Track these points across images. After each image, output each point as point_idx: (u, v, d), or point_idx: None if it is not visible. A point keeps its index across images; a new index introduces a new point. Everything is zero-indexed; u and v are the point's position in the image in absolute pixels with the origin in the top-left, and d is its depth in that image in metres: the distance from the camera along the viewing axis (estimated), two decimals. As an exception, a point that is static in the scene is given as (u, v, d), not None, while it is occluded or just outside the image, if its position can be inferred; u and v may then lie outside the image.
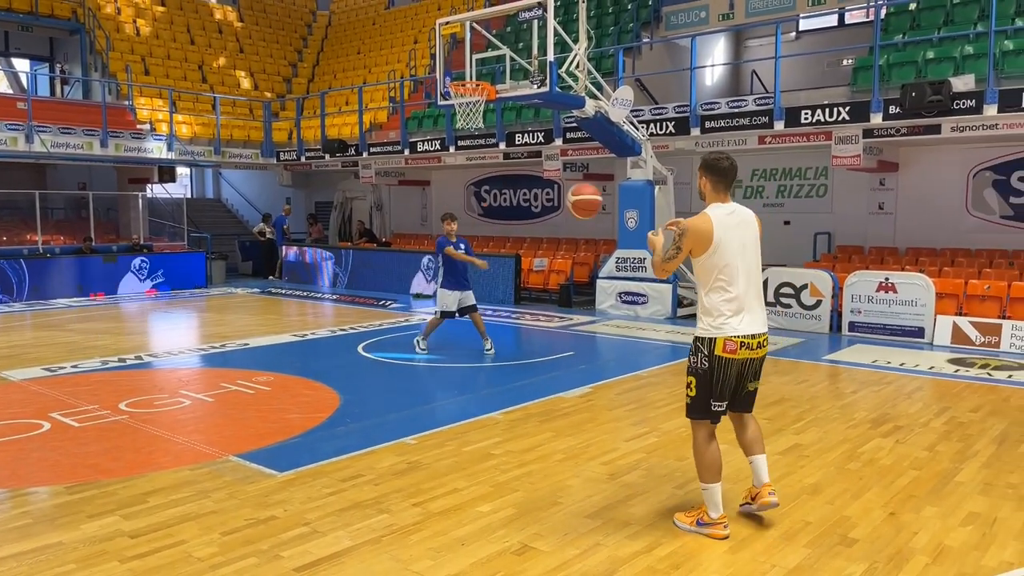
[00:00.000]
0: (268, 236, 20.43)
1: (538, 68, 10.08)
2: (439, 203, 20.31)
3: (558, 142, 14.59)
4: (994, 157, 12.13)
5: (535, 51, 10.29)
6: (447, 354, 9.70)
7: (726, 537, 4.19)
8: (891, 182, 13.09)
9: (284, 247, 19.64)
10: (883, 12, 13.50)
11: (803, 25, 18.12)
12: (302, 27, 27.36)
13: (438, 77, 11.32)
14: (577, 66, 11.15)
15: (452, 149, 16.36)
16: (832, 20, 18.13)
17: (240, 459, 5.63)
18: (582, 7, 11.36)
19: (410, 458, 5.63)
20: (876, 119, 11.01)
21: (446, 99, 11.11)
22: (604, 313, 13.08)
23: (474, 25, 10.66)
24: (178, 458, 5.70)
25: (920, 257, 12.26)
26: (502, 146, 15.41)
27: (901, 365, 8.88)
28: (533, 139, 14.93)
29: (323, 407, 7.12)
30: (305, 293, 16.76)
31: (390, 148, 17.80)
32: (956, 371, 8.60)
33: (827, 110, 11.42)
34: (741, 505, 4.51)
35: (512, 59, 11.03)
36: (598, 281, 13.46)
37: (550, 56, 9.96)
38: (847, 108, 11.26)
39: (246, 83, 23.18)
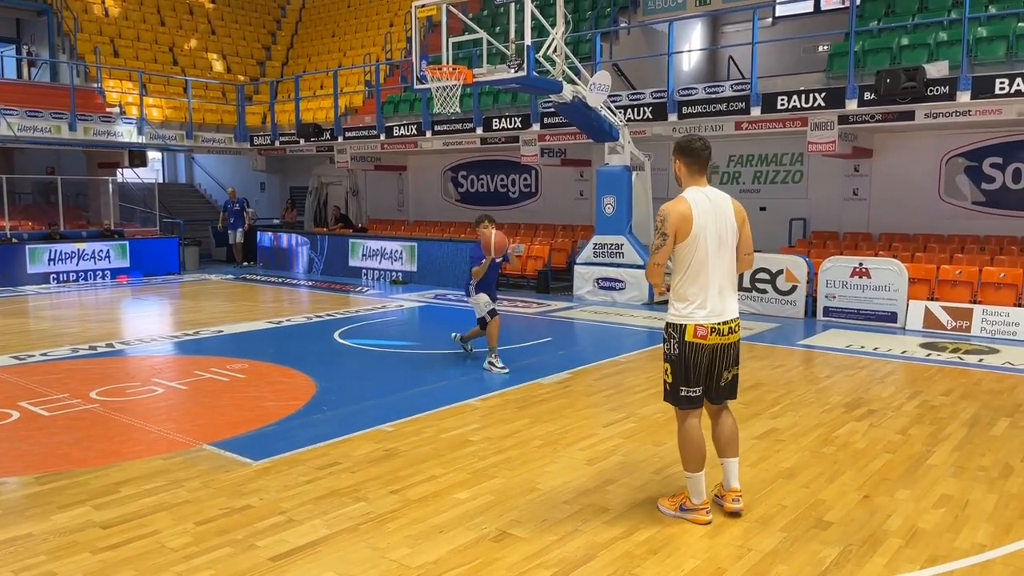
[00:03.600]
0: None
1: (516, 52, 10.00)
2: (416, 188, 20.19)
3: (536, 127, 14.52)
4: (966, 144, 12.26)
5: (512, 35, 10.20)
6: (422, 341, 9.64)
7: (708, 523, 4.20)
8: (865, 168, 13.20)
9: (239, 231, 19.26)
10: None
11: (779, 11, 18.15)
12: (275, 9, 26.94)
13: (414, 61, 11.20)
14: (555, 50, 11.08)
15: (429, 134, 16.23)
16: (808, 6, 18.18)
17: (214, 448, 5.56)
18: (560, -6, 11.28)
19: (387, 445, 5.59)
20: (851, 105, 11.08)
21: (422, 83, 11.00)
22: (582, 299, 13.09)
23: (451, 8, 10.53)
24: (151, 447, 5.61)
25: (893, 243, 12.38)
26: (479, 131, 15.31)
27: (875, 349, 8.98)
28: (511, 124, 14.84)
29: (299, 395, 7.05)
30: (280, 279, 16.58)
31: (366, 133, 17.62)
32: (928, 355, 8.71)
33: (803, 96, 11.46)
34: (713, 497, 4.45)
35: (489, 43, 10.91)
36: (575, 267, 13.45)
37: (527, 40, 9.88)
38: (823, 94, 11.31)
39: (218, 66, 22.81)
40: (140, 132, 18.15)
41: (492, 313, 8.18)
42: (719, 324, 4.11)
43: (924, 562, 3.78)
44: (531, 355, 8.93)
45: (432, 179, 19.64)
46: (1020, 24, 10.73)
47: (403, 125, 16.86)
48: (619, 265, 12.78)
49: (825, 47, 17.90)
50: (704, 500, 4.24)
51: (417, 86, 11.32)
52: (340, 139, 17.97)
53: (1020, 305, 9.93)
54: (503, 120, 14.99)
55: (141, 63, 20.42)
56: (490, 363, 7.97)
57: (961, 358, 8.53)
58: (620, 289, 12.75)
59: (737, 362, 4.31)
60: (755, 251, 12.68)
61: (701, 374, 4.17)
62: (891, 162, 12.94)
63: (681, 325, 4.13)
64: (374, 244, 16.56)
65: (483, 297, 8.22)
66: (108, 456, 5.42)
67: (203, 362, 8.39)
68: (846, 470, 5.06)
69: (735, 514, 4.27)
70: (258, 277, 16.99)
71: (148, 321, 12.04)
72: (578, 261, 13.44)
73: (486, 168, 18.50)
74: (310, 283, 15.97)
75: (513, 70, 10.02)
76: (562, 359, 8.67)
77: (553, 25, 11.15)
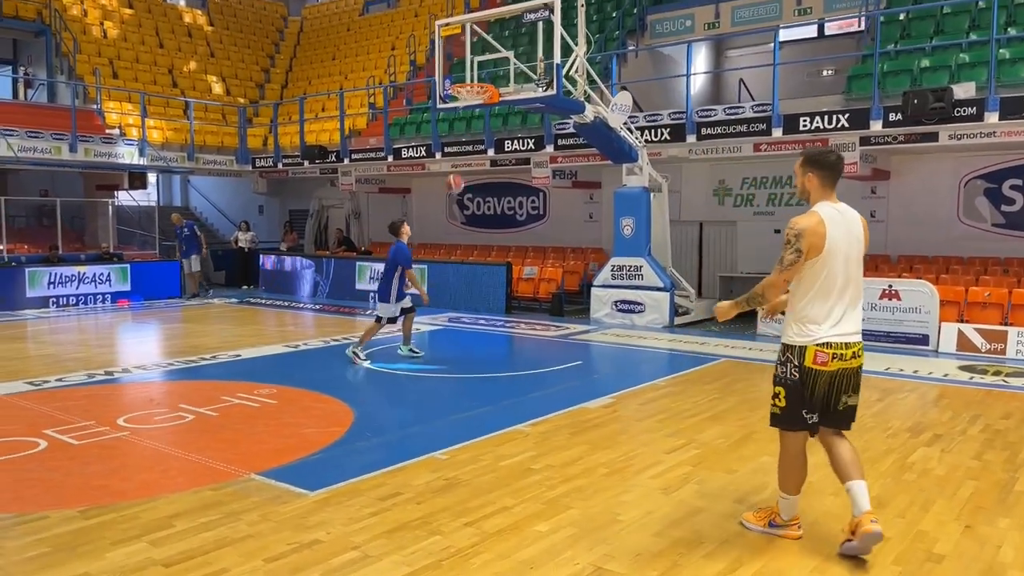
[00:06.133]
0: (241, 245, 19.86)
1: (544, 71, 9.86)
2: (420, 211, 19.96)
3: (549, 149, 14.38)
4: (986, 166, 12.24)
5: (540, 53, 10.06)
6: (451, 364, 9.37)
7: (799, 537, 4.17)
8: (882, 190, 13.14)
9: (194, 258, 17.25)
10: (870, 22, 13.64)
11: (783, 36, 18.21)
12: (274, 32, 26.83)
13: (437, 80, 11.02)
14: (576, 70, 10.96)
15: (438, 155, 16.05)
16: (812, 31, 18.27)
17: (263, 477, 5.25)
18: (581, 11, 11.19)
19: (446, 474, 5.31)
20: (876, 126, 11.02)
21: (445, 102, 10.83)
22: (600, 322, 12.87)
23: (474, 27, 10.39)
24: (194, 477, 5.29)
25: (914, 264, 12.29)
26: (491, 153, 15.15)
27: (915, 372, 8.82)
28: (523, 146, 14.69)
29: (337, 421, 6.75)
30: (286, 303, 16.25)
31: (373, 154, 17.42)
32: (971, 378, 8.55)
33: (826, 117, 11.39)
34: (842, 545, 3.97)
35: (510, 63, 10.77)
36: (593, 289, 13.25)
37: (557, 59, 9.75)
38: (846, 115, 11.25)
39: (217, 88, 22.59)
40: (142, 154, 17.84)
41: (406, 310, 9.53)
42: (842, 348, 3.88)
43: (1058, 597, 3.56)
44: (566, 379, 8.69)
45: (437, 201, 19.44)
46: (1045, 46, 10.77)
47: (411, 146, 16.68)
48: (638, 287, 12.60)
49: (830, 71, 18.06)
50: (795, 515, 4.17)
51: (440, 105, 11.14)
52: (346, 161, 17.76)
53: (1053, 327, 9.83)
54: (515, 142, 14.84)
55: (140, 84, 20.15)
56: (411, 350, 9.49)
57: (1006, 381, 8.38)
58: (639, 312, 12.55)
59: (858, 389, 4.04)
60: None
61: (818, 400, 3.94)
62: (909, 184, 12.90)
63: (800, 348, 3.90)
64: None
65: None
66: (152, 487, 5.09)
67: (228, 387, 8.07)
68: (936, 499, 4.85)
69: (876, 536, 3.82)
70: (263, 301, 16.64)
71: (160, 345, 11.67)
72: (595, 283, 13.24)
73: (493, 190, 18.34)
74: (317, 307, 15.65)
75: (542, 89, 9.88)
76: (599, 383, 8.44)
77: (574, 45, 11.04)
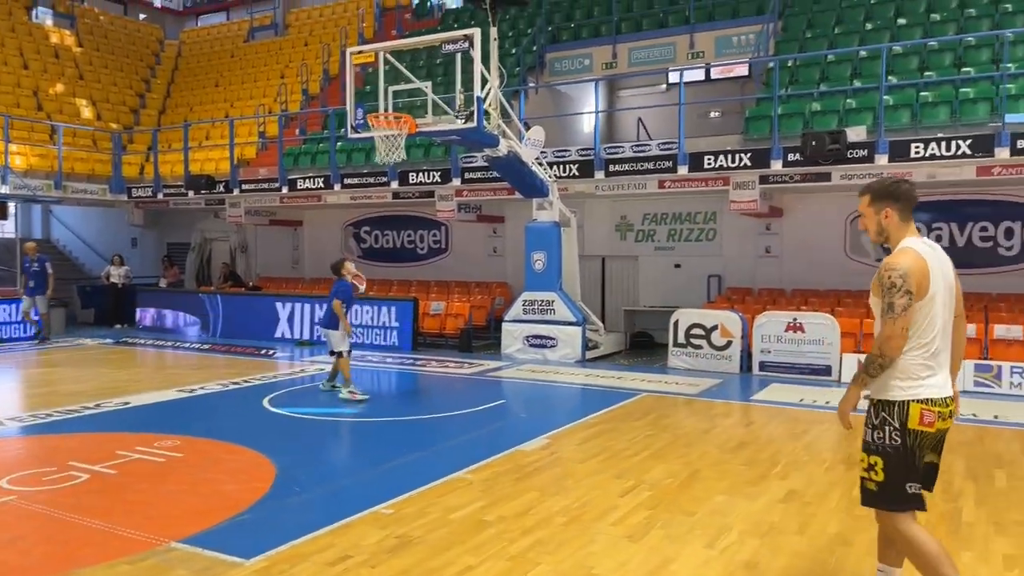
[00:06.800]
0: (113, 280, 18.39)
1: (464, 103, 9.67)
2: (313, 244, 19.22)
3: (455, 182, 14.17)
4: (870, 204, 12.99)
5: (459, 85, 9.87)
6: (367, 408, 8.88)
7: None
8: (776, 227, 13.73)
9: (40, 297, 15.00)
10: (760, 67, 14.36)
11: (673, 78, 18.93)
12: (149, 55, 25.39)
13: (348, 109, 10.60)
14: (490, 104, 10.85)
15: (337, 187, 15.50)
16: (700, 75, 19.08)
17: (187, 545, 4.66)
18: (494, 45, 11.12)
19: (396, 530, 4.90)
20: (776, 166, 11.49)
21: (358, 132, 10.42)
22: (512, 357, 12.66)
23: (387, 56, 10.08)
24: (105, 549, 4.63)
25: (809, 298, 12.85)
26: (394, 185, 14.77)
27: (827, 403, 9.10)
28: (429, 178, 14.42)
29: (258, 475, 6.17)
30: (170, 343, 15.09)
31: (265, 185, 16.63)
32: (879, 407, 8.89)
33: (730, 156, 11.79)
34: None
35: (424, 93, 10.52)
36: (504, 324, 13.05)
37: (478, 91, 9.59)
38: (748, 155, 11.68)
39: (87, 112, 21.03)
40: (3, 181, 16.25)
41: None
42: (943, 407, 3.38)
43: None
44: (494, 419, 8.40)
45: (332, 234, 18.77)
46: (923, 94, 11.59)
47: (307, 177, 16.04)
48: (550, 322, 12.51)
49: (716, 113, 18.91)
50: None
51: (352, 135, 10.71)
52: (236, 191, 16.85)
53: (941, 356, 10.42)
54: (420, 174, 14.54)
55: (2, 107, 18.45)
56: (351, 392, 9.11)
57: (911, 409, 8.76)
58: (552, 346, 12.45)
59: (941, 450, 3.57)
60: (679, 307, 12.77)
61: (921, 465, 3.40)
62: (800, 221, 13.53)
63: (903, 405, 3.35)
64: (279, 304, 15.47)
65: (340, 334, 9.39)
66: (58, 562, 4.41)
67: (123, 440, 7.26)
68: (894, 532, 4.88)
69: None
70: (142, 341, 15.39)
71: (33, 393, 10.46)
72: (506, 318, 13.06)
73: (392, 223, 17.90)
74: (207, 346, 14.62)
75: (462, 121, 9.67)
76: (529, 423, 8.20)
77: (488, 78, 10.94)
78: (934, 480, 3.58)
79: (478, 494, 5.65)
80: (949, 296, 3.46)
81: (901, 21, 13.67)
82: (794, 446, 7.11)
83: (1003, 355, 10.17)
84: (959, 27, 12.97)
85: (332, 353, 9.55)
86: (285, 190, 16.19)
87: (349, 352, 9.47)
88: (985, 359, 10.15)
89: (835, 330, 10.67)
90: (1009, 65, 11.15)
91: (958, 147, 10.37)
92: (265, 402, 9.12)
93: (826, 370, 10.66)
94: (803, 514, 5.25)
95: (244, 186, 16.83)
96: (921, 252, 3.40)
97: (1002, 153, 10.16)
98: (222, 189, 17.06)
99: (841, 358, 10.61)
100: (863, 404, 3.61)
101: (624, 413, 8.55)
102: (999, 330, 10.42)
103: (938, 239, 12.53)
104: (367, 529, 4.93)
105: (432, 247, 17.48)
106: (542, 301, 12.54)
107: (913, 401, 3.34)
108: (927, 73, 12.21)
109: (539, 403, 9.63)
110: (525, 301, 12.74)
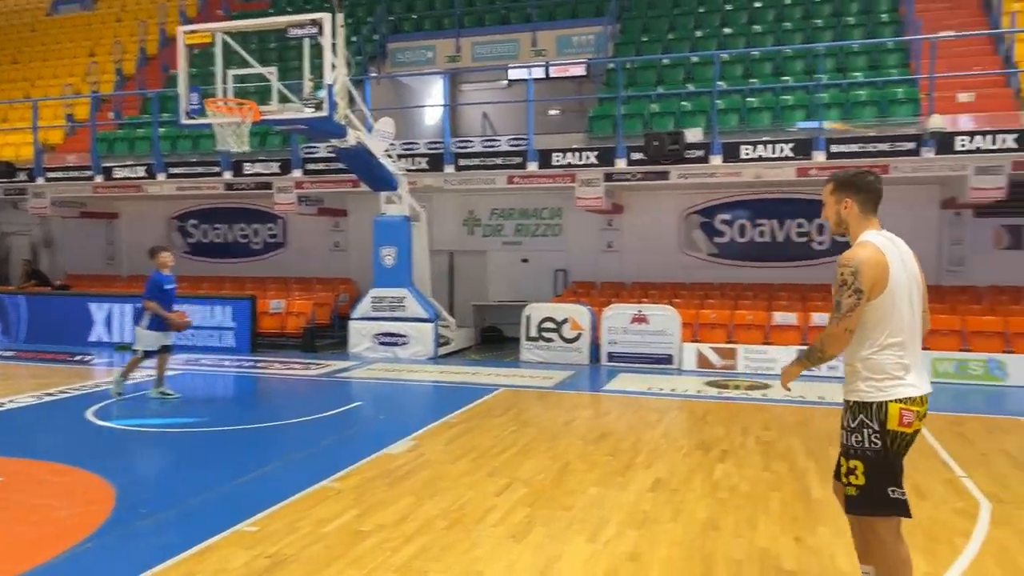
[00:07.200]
0: None
1: (313, 90, 9.19)
2: (131, 238, 17.64)
3: (296, 173, 13.52)
4: (701, 202, 13.82)
5: (307, 72, 9.36)
6: (210, 416, 8.25)
7: None
8: (618, 223, 14.25)
9: None
10: (599, 67, 14.84)
11: (513, 75, 19.14)
12: (-73, 25, 22.28)
13: (182, 92, 9.76)
14: (338, 93, 10.40)
15: (162, 177, 14.32)
16: (541, 73, 19.42)
17: (19, 586, 4.07)
18: (340, 32, 10.65)
19: (266, 550, 4.54)
20: (621, 163, 11.90)
21: (193, 117, 9.63)
22: (360, 356, 12.27)
23: (226, 38, 9.39)
24: (-88, 599, 3.95)
25: (648, 291, 13.44)
26: (228, 176, 13.86)
27: (672, 391, 9.55)
28: (267, 169, 13.65)
29: (94, 496, 5.53)
30: (-38, 350, 13.30)
31: (75, 173, 15.06)
32: (720, 392, 9.47)
33: (577, 153, 12.07)
34: None
35: (262, 79, 9.92)
36: (351, 323, 12.63)
37: (328, 79, 9.14)
38: (595, 153, 12.01)
39: None
40: None
41: (149, 355, 8.78)
42: (921, 405, 3.24)
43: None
44: (352, 423, 8.09)
45: (153, 227, 17.29)
46: (749, 99, 12.43)
47: (126, 166, 14.70)
48: (401, 319, 12.25)
49: (555, 111, 19.36)
50: None
51: (186, 120, 9.88)
52: (40, 180, 15.14)
53: (768, 343, 11.28)
54: (256, 164, 13.74)
55: None
56: (163, 392, 8.73)
57: (748, 393, 9.40)
58: (403, 344, 12.20)
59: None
60: (527, 302, 12.99)
61: (899, 467, 3.26)
62: (639, 218, 14.12)
63: (882, 406, 3.21)
64: (94, 306, 14.05)
65: (155, 336, 8.73)
66: None
67: (-81, 466, 6.27)
68: (757, 515, 5.15)
69: None
70: (-73, 348, 13.47)
71: None
72: (354, 316, 12.64)
73: (223, 216, 16.81)
74: (10, 353, 13.02)
75: (312, 109, 9.18)
76: (391, 425, 7.97)
77: (335, 66, 10.49)
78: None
79: (350, 503, 5.38)
80: (915, 290, 3.32)
81: (727, 31, 14.60)
82: (652, 434, 7.38)
83: (821, 341, 11.14)
84: (776, 39, 14.05)
85: (149, 355, 8.83)
86: (99, 179, 14.76)
87: (160, 352, 8.81)
88: (805, 344, 11.04)
89: (676, 321, 11.23)
90: (821, 76, 12.25)
91: (782, 150, 11.23)
92: (89, 414, 8.23)
93: (668, 359, 11.20)
94: (672, 502, 5.42)
95: (50, 174, 15.17)
96: (880, 246, 3.26)
97: (819, 156, 11.12)
98: (24, 178, 15.28)
99: (682, 347, 11.18)
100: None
101: (485, 409, 8.52)
102: (816, 318, 11.41)
103: (761, 235, 13.57)
104: (232, 551, 4.53)
105: (268, 241, 16.61)
106: (393, 297, 12.26)
107: (891, 401, 3.20)
108: (751, 80, 13.12)
109: (397, 403, 9.39)
110: (374, 298, 12.39)
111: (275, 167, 13.64)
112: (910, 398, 3.20)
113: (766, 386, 9.89)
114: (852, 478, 3.27)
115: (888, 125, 11.52)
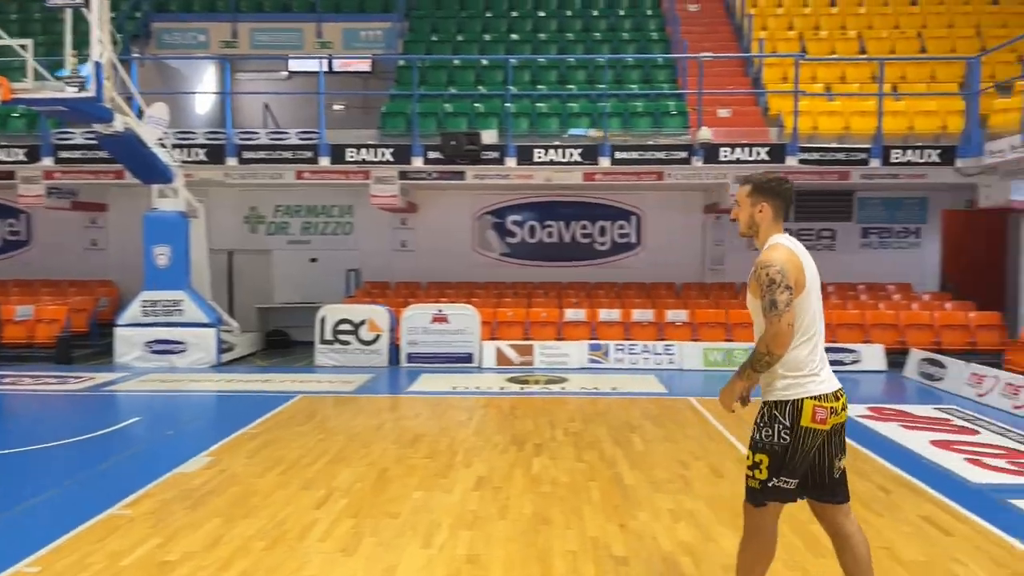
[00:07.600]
0: None
1: (76, 68, 8.05)
2: None
3: (46, 161, 11.88)
4: (494, 203, 14.08)
5: (68, 47, 8.19)
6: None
7: None
8: (412, 222, 14.11)
9: None
10: (389, 63, 14.61)
11: (295, 66, 18.30)
12: None
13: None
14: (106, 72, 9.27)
15: None
16: (325, 66, 18.74)
17: None
18: (105, 4, 9.49)
19: (51, 596, 3.89)
20: (417, 162, 11.78)
21: (-82, 91, 8.05)
22: (130, 367, 11.03)
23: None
24: None
25: (444, 291, 13.45)
26: (-44, 163, 11.87)
27: (477, 388, 9.61)
28: (9, 156, 11.86)
29: None
30: None
31: None
32: (522, 388, 9.68)
33: (373, 150, 11.77)
34: None
35: (11, 52, 8.60)
36: (117, 330, 11.33)
37: (95, 56, 8.06)
38: (391, 150, 11.78)
39: None
40: None
41: None
42: (835, 401, 3.31)
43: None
44: (133, 442, 7.23)
45: None
46: (538, 105, 12.86)
47: None
48: (178, 324, 11.20)
49: (339, 106, 18.83)
50: None
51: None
52: None
53: (561, 339, 11.75)
54: (-4, 151, 11.89)
55: None
56: None
57: (548, 388, 9.69)
58: (181, 352, 11.16)
59: (845, 448, 3.44)
60: (318, 303, 12.81)
61: (803, 464, 3.30)
62: (433, 217, 14.09)
63: (797, 403, 3.25)
64: None
65: None
66: None
67: None
68: (581, 505, 5.29)
69: None
70: None
71: None
72: (120, 322, 11.36)
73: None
74: None
75: (75, 89, 8.04)
76: (180, 441, 7.23)
77: (100, 43, 9.33)
78: (846, 488, 3.42)
79: (148, 531, 4.77)
80: (818, 289, 3.43)
81: (514, 36, 15.02)
82: (465, 433, 7.35)
83: (607, 335, 11.81)
84: (560, 48, 14.70)
85: None
86: None
87: None
88: (595, 339, 11.66)
89: (476, 320, 11.32)
90: (602, 85, 12.98)
91: (571, 155, 11.74)
92: None
93: (468, 357, 11.27)
94: (498, 499, 5.42)
95: None
96: (792, 248, 3.35)
97: (604, 162, 11.76)
98: None
99: (482, 346, 11.30)
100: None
101: (285, 418, 8.01)
102: (603, 314, 12.07)
103: (549, 235, 14.12)
104: (8, 600, 3.83)
105: (8, 239, 14.47)
106: (167, 301, 11.18)
107: (807, 398, 3.26)
108: (539, 86, 13.60)
109: (183, 417, 8.53)
110: (145, 301, 11.22)
111: (20, 154, 11.89)
112: (824, 395, 3.27)
113: (563, 380, 10.27)
114: (756, 471, 3.30)
115: (662, 135, 12.46)
